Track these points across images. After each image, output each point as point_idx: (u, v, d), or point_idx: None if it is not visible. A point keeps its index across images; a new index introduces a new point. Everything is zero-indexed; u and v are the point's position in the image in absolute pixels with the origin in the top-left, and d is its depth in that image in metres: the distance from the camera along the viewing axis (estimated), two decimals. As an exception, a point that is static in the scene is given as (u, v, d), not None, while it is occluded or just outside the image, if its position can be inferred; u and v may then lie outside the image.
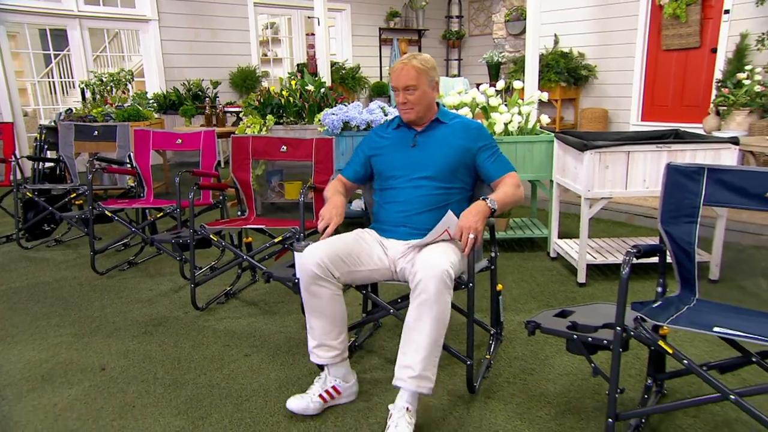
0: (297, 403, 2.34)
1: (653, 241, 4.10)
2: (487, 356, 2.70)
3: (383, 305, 2.55)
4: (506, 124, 4.03)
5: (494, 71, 10.01)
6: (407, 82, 2.48)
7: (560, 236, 4.16)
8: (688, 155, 3.45)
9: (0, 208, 5.03)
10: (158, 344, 3.01)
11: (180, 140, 4.20)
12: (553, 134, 3.99)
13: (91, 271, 4.05)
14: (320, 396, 2.36)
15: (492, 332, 2.84)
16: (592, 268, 3.81)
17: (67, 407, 2.46)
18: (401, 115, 2.61)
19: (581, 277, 3.61)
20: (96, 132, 4.73)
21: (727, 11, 7.14)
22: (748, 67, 6.67)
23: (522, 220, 4.65)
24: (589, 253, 3.74)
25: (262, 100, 5.49)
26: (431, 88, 2.56)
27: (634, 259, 2.01)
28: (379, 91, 10.10)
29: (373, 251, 2.49)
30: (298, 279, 2.63)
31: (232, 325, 3.22)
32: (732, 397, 1.84)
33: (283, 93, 5.51)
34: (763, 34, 6.59)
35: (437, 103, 2.68)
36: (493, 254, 2.70)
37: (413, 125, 2.64)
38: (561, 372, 2.63)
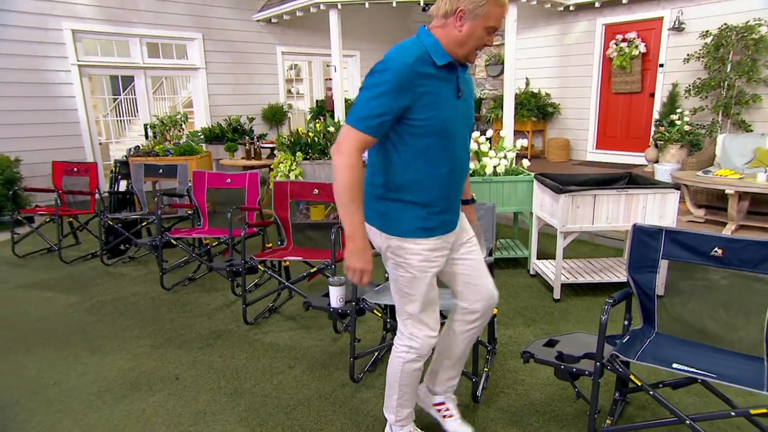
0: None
1: (610, 258, 4.11)
2: (486, 369, 2.71)
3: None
4: (495, 167, 4.03)
5: (477, 105, 10.00)
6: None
7: (538, 256, 4.17)
8: (641, 198, 3.46)
9: (86, 230, 5.04)
10: (219, 355, 3.02)
11: (229, 180, 4.19)
12: (533, 175, 3.99)
13: (160, 286, 4.05)
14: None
15: (489, 348, 2.85)
16: (565, 285, 3.82)
17: (153, 413, 2.47)
18: (470, 59, 1.74)
19: (557, 294, 3.63)
20: (161, 170, 4.72)
21: (662, 65, 7.18)
22: (678, 110, 6.71)
23: (506, 242, 4.66)
24: (562, 274, 3.75)
25: (292, 140, 5.48)
26: None
27: (611, 306, 2.03)
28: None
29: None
30: (334, 308, 2.66)
31: (276, 338, 3.22)
32: (688, 422, 1.87)
33: (310, 134, 5.51)
34: (690, 85, 6.62)
35: None
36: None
37: (458, 65, 1.76)
38: (545, 382, 2.65)
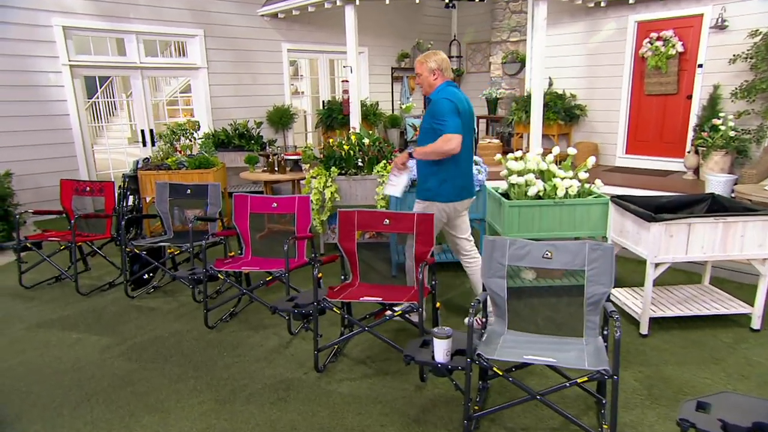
0: None
1: (689, 286, 3.99)
2: (604, 425, 2.60)
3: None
4: (567, 189, 3.92)
5: (493, 105, 9.91)
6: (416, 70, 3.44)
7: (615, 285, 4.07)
8: (740, 226, 3.40)
9: (98, 254, 4.76)
10: (297, 412, 2.83)
11: (275, 204, 4.00)
12: (608, 198, 3.89)
13: (200, 323, 3.85)
14: None
15: (603, 402, 2.74)
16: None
17: (245, 493, 2.30)
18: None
19: (644, 329, 3.54)
20: (189, 190, 4.49)
21: (700, 65, 7.17)
22: (722, 114, 6.69)
23: (567, 265, 4.56)
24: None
25: (326, 154, 5.30)
26: (428, 73, 3.34)
27: None
28: (394, 123, 9.91)
29: None
30: (441, 364, 2.52)
31: (354, 388, 3.04)
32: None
33: (344, 147, 5.33)
34: (736, 88, 6.62)
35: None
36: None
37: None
38: (673, 440, 2.56)
